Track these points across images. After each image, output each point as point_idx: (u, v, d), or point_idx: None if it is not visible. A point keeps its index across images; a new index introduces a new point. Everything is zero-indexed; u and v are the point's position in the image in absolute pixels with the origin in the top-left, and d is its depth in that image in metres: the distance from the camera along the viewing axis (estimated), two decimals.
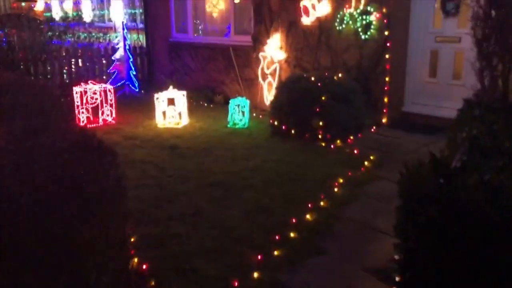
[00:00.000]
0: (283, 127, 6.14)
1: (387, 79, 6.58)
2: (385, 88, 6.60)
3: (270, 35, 8.02)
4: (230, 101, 7.10)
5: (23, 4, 25.04)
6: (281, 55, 7.88)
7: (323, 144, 5.79)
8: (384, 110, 6.65)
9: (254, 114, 7.67)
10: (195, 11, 9.90)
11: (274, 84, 8.07)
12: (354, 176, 4.72)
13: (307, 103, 5.83)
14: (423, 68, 6.65)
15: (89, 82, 7.32)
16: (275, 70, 8.01)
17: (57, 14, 14.85)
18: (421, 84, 6.69)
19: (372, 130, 6.39)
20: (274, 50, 7.95)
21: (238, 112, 6.99)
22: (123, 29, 9.19)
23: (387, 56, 6.53)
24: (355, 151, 5.52)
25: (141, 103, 8.65)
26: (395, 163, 5.17)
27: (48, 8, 17.22)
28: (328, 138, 5.84)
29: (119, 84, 9.37)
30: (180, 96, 7.11)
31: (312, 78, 6.10)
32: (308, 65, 7.57)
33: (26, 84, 4.26)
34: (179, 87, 8.69)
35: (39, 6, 19.68)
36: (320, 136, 5.85)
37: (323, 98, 5.78)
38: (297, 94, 5.91)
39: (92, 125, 7.08)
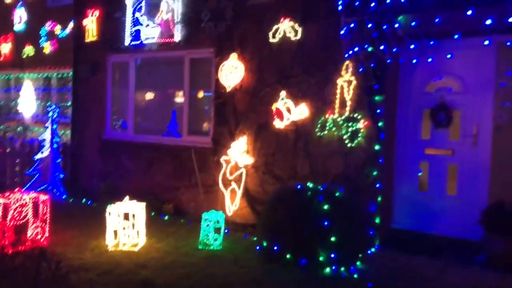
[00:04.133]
0: (282, 252, 5.00)
1: (377, 191, 5.96)
2: (377, 201, 5.95)
3: (235, 137, 7.16)
4: (202, 216, 5.87)
5: None
6: (248, 160, 7.00)
7: (334, 274, 4.78)
8: (375, 227, 5.92)
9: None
10: (137, 107, 8.77)
11: (239, 192, 7.07)
12: None
13: (311, 223, 4.87)
14: (413, 181, 6.20)
15: (15, 190, 5.61)
16: (240, 176, 7.05)
17: None
18: (411, 199, 6.18)
19: (370, 251, 5.57)
20: (239, 154, 7.05)
21: (211, 230, 5.77)
22: (52, 123, 7.69)
23: (377, 166, 5.97)
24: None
25: (72, 215, 6.98)
26: None
27: None
28: (337, 264, 4.87)
29: (40, 189, 7.62)
30: (139, 210, 5.71)
31: (309, 192, 5.21)
32: (281, 172, 6.74)
33: None
34: (113, 192, 7.29)
35: None
36: (327, 262, 4.85)
37: (329, 216, 4.89)
38: (298, 211, 4.95)
39: (16, 250, 5.28)
